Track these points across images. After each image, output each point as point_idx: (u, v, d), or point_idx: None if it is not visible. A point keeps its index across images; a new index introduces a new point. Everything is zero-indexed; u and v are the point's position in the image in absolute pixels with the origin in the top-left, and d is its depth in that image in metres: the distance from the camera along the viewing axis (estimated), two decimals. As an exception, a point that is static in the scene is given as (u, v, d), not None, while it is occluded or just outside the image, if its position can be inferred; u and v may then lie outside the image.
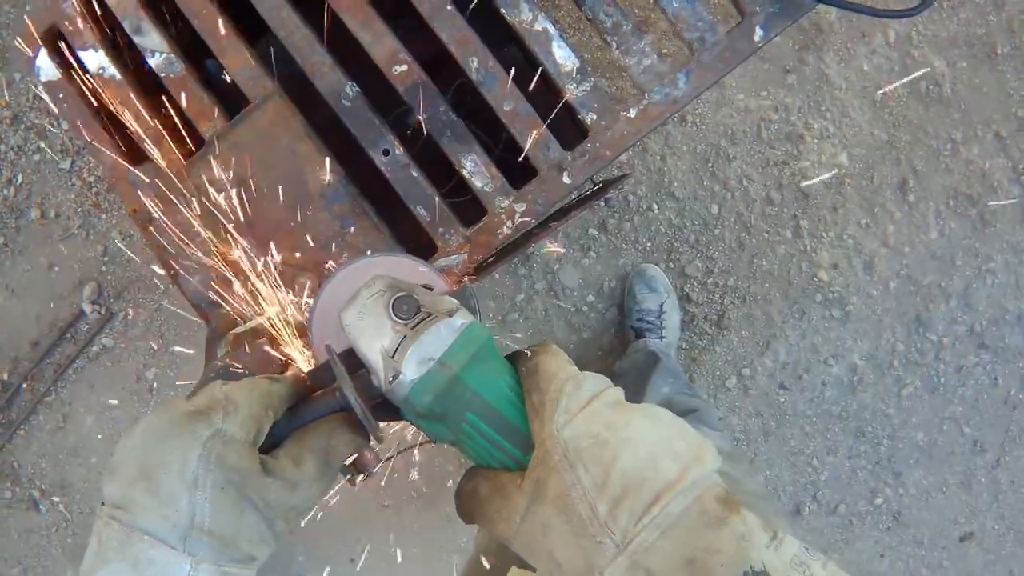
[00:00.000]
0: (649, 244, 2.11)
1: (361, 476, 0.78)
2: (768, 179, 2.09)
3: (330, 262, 0.89)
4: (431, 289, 0.62)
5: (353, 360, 0.60)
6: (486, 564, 0.91)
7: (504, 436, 0.56)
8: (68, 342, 2.14)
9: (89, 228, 2.12)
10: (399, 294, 0.58)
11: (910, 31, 2.07)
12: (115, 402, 2.16)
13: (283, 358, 0.76)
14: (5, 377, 2.16)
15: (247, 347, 0.78)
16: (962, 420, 2.21)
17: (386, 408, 0.60)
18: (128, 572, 0.51)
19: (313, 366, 0.72)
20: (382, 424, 0.61)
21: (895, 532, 2.25)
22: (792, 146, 2.09)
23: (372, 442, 0.61)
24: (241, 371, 0.74)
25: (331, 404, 0.60)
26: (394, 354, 0.56)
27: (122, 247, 2.10)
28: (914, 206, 2.12)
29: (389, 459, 0.78)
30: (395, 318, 0.57)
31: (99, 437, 2.18)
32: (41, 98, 2.11)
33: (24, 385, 2.15)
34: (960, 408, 2.20)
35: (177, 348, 2.14)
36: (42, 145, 2.10)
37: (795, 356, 2.16)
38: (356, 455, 0.63)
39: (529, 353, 0.60)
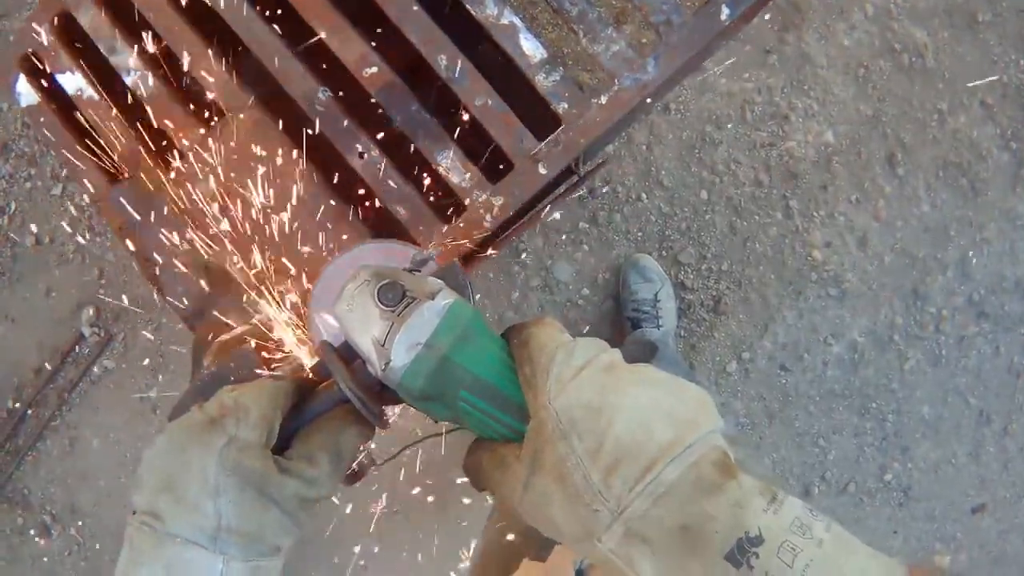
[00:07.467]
0: (640, 234, 2.11)
1: (359, 478, 0.78)
2: (756, 161, 2.09)
3: (316, 262, 0.90)
4: (419, 271, 0.63)
5: (352, 351, 0.61)
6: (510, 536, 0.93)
7: (500, 409, 0.57)
8: (70, 366, 2.15)
9: (84, 252, 2.14)
10: (383, 282, 0.58)
11: (889, 4, 2.07)
12: (120, 423, 2.18)
13: (267, 364, 0.77)
14: (10, 404, 2.17)
15: (232, 354, 0.78)
16: (967, 391, 2.20)
17: (388, 394, 0.60)
18: (162, 574, 0.53)
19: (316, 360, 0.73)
20: (388, 410, 0.62)
21: (906, 508, 2.24)
22: (778, 126, 2.09)
23: (374, 436, 0.61)
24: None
25: (333, 397, 0.62)
26: (384, 342, 0.56)
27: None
28: (904, 179, 2.11)
29: (383, 463, 0.78)
30: (382, 306, 0.57)
31: (106, 459, 2.19)
32: (30, 126, 2.13)
33: (29, 411, 2.17)
34: (964, 379, 2.19)
35: (176, 366, 2.15)
36: (32, 172, 2.12)
37: (794, 337, 2.16)
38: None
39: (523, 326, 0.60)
